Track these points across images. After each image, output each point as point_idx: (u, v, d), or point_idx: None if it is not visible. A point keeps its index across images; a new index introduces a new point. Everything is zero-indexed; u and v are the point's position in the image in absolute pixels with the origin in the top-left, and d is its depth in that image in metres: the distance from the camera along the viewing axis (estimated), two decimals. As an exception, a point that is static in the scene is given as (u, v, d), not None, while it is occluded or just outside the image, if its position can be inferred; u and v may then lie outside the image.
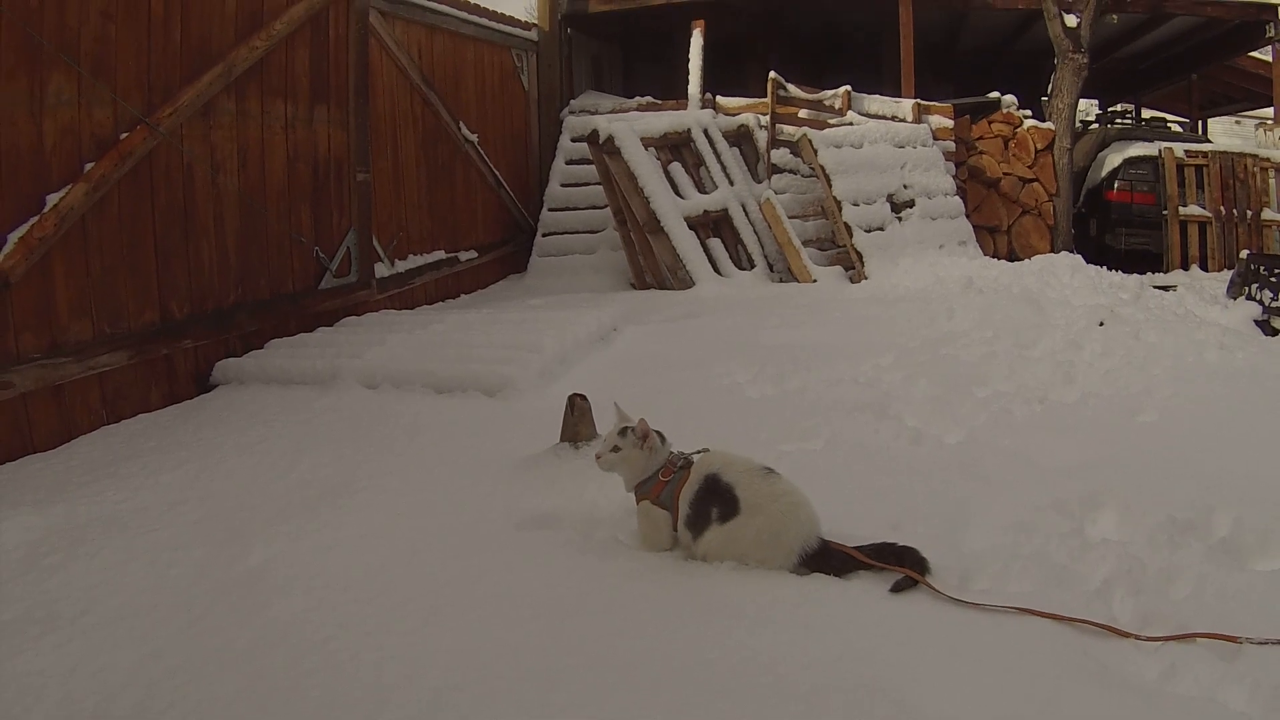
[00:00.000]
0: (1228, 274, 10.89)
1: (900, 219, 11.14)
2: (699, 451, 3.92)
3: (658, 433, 3.95)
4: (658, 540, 3.85)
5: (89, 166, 5.69)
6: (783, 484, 3.71)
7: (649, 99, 13.50)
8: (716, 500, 3.68)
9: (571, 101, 13.71)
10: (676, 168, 10.94)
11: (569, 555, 3.84)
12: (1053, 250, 12.19)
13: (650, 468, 3.89)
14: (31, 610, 3.51)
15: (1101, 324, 7.37)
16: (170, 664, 3.10)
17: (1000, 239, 12.95)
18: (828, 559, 3.59)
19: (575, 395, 4.86)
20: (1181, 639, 3.07)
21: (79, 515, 4.37)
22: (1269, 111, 16.66)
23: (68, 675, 3.07)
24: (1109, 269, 10.40)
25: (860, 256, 10.56)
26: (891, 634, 3.13)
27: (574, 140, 12.51)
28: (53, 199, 5.46)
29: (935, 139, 12.22)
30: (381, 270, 8.98)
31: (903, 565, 3.52)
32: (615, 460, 3.93)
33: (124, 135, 5.93)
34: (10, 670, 3.10)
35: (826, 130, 11.52)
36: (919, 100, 12.69)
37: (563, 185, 12.47)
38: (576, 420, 4.83)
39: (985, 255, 11.65)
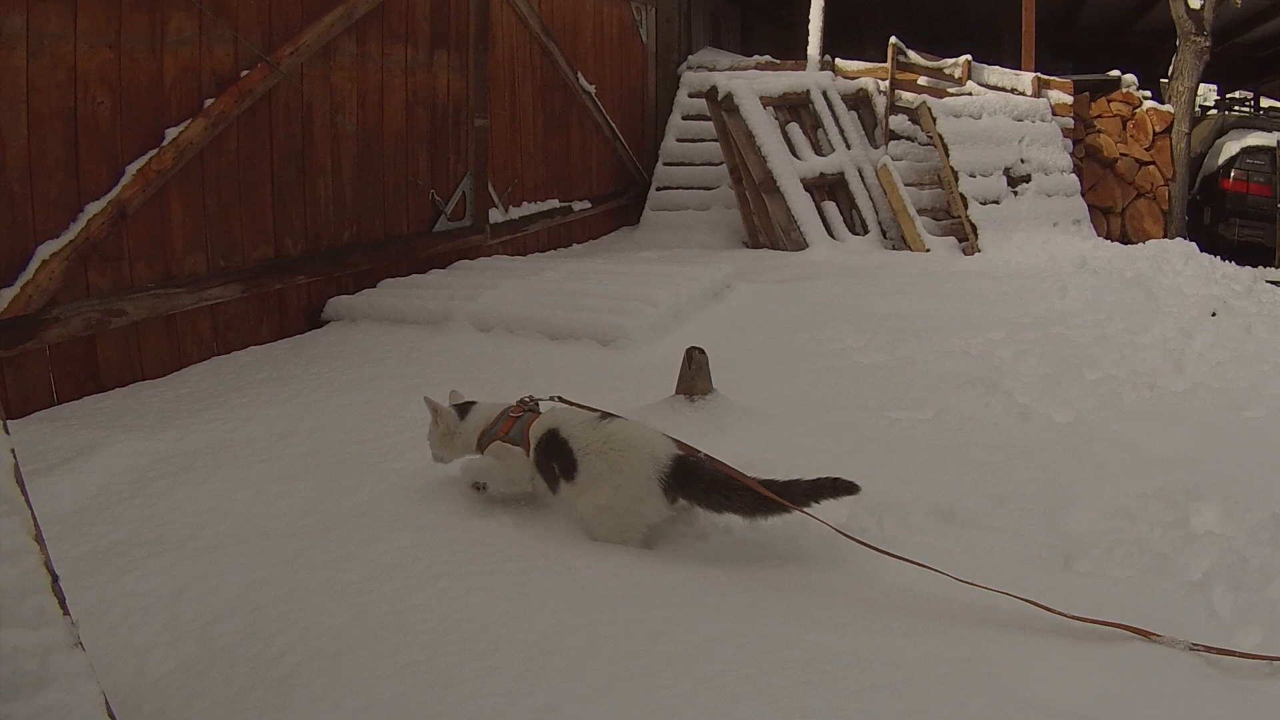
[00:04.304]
0: (1342, 275, 10.44)
1: (1016, 193, 10.84)
2: (551, 398, 3.84)
3: (455, 407, 3.86)
4: (514, 477, 3.72)
5: (208, 103, 5.69)
6: (611, 426, 3.53)
7: (767, 58, 13.23)
8: (558, 456, 3.54)
9: (689, 57, 13.49)
10: (794, 128, 10.76)
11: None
12: (1165, 236, 11.80)
13: (473, 429, 3.78)
14: (139, 533, 3.50)
15: (1214, 315, 7.11)
16: (278, 592, 3.05)
17: (1114, 220, 12.58)
18: (694, 479, 3.38)
19: (693, 349, 4.75)
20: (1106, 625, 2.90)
21: (187, 443, 4.37)
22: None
23: (175, 597, 3.04)
24: (1221, 259, 10.03)
25: (974, 229, 10.30)
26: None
27: (691, 96, 12.30)
28: (172, 133, 5.47)
29: (1054, 115, 11.82)
30: (495, 216, 8.93)
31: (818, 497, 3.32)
32: (441, 447, 3.87)
33: (244, 73, 5.93)
34: (117, 589, 3.08)
35: (945, 99, 11.25)
36: (1039, 74, 12.33)
37: (678, 140, 12.28)
38: (693, 374, 4.72)
39: (1098, 236, 11.31)
